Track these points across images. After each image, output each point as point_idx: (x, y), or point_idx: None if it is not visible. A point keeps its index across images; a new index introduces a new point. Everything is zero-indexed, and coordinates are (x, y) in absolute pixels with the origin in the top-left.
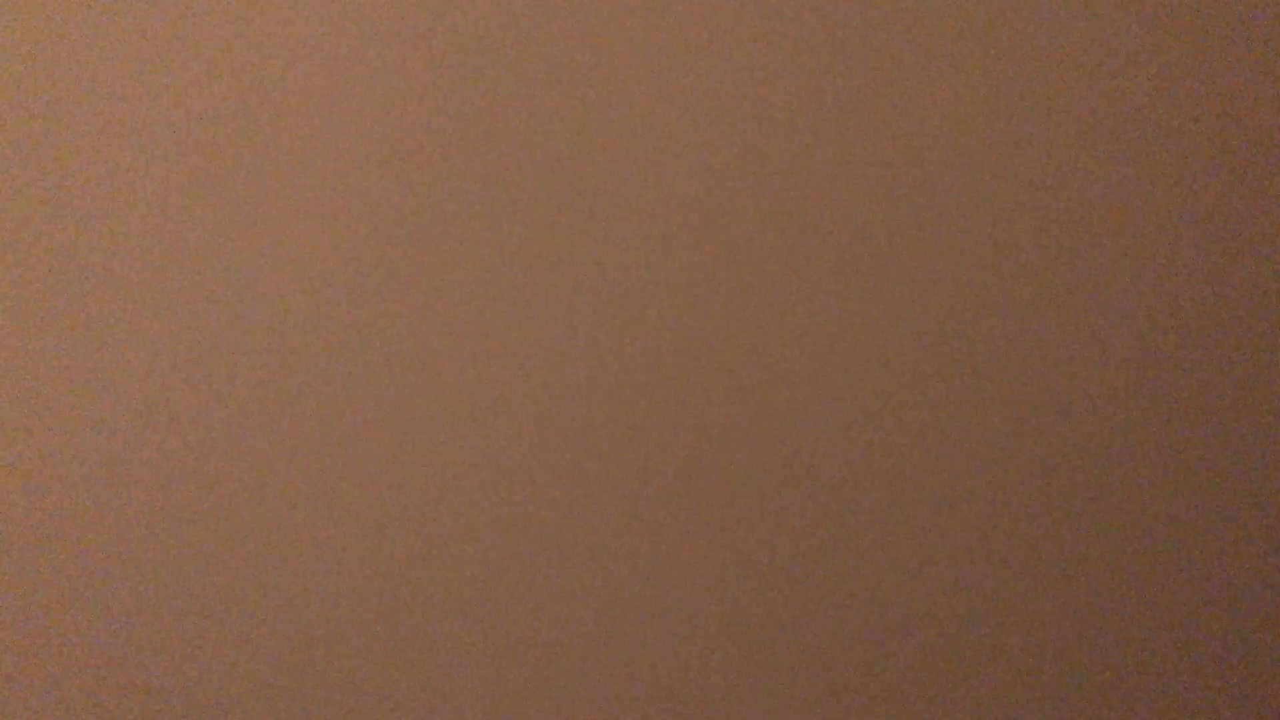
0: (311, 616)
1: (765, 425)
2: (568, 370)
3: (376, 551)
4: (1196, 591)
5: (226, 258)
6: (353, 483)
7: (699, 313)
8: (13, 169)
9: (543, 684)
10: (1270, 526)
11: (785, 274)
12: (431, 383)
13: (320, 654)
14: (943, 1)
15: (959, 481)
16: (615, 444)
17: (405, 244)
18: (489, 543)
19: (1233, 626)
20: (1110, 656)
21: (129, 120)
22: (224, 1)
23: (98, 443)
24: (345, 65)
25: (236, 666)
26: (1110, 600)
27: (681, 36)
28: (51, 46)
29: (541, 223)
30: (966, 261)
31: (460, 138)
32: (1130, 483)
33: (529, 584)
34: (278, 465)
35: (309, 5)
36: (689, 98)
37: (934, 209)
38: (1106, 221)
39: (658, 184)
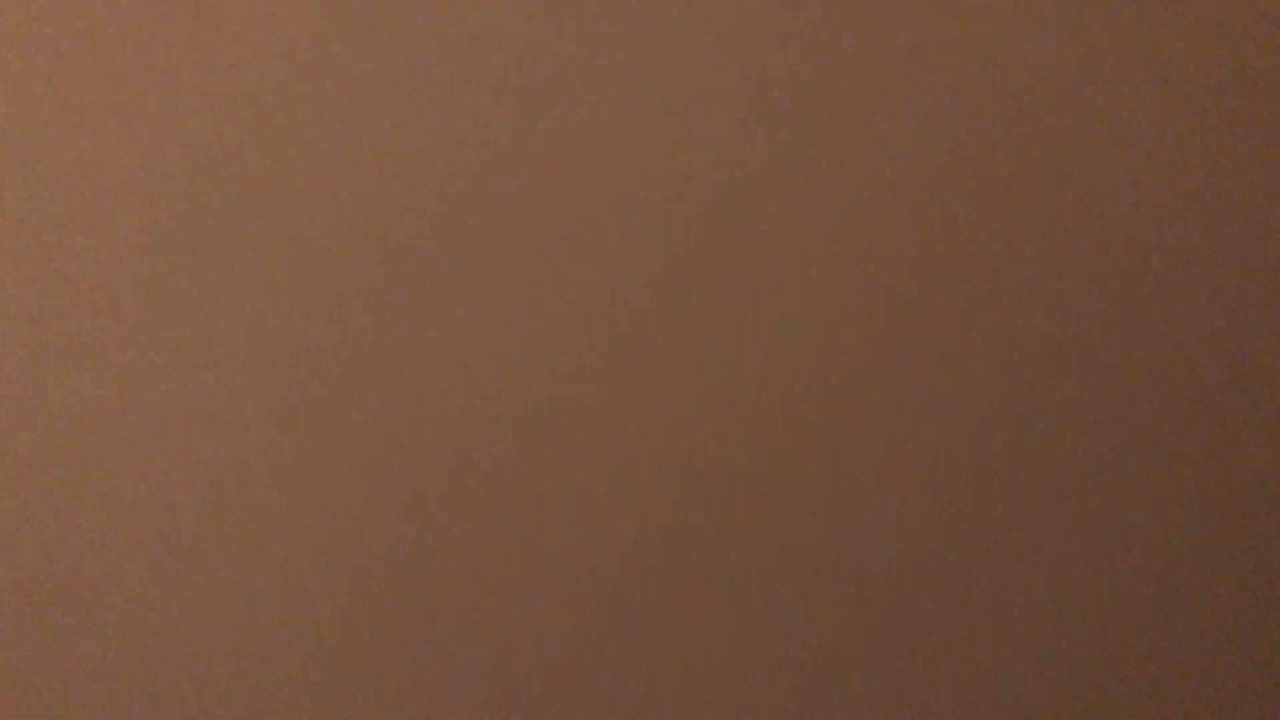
0: (307, 617)
1: (765, 428)
2: (564, 372)
3: (376, 555)
4: (1196, 591)
5: (216, 260)
6: (353, 486)
7: (698, 314)
8: (11, 171)
9: (543, 686)
10: (1270, 526)
11: (783, 276)
12: (429, 386)
13: (315, 653)
14: (943, 2)
15: (959, 483)
16: (614, 445)
17: (399, 248)
18: (487, 544)
19: (1232, 626)
20: (1111, 657)
21: (127, 121)
22: (223, 4)
23: (94, 443)
24: (341, 67)
25: (231, 664)
26: (1110, 601)
27: (677, 37)
28: (49, 49)
29: (538, 228)
30: (965, 264)
31: (455, 142)
32: (1130, 483)
33: (530, 588)
34: (279, 468)
35: (305, 9)
36: (687, 99)
37: (932, 210)
38: (1106, 223)
39: (654, 186)
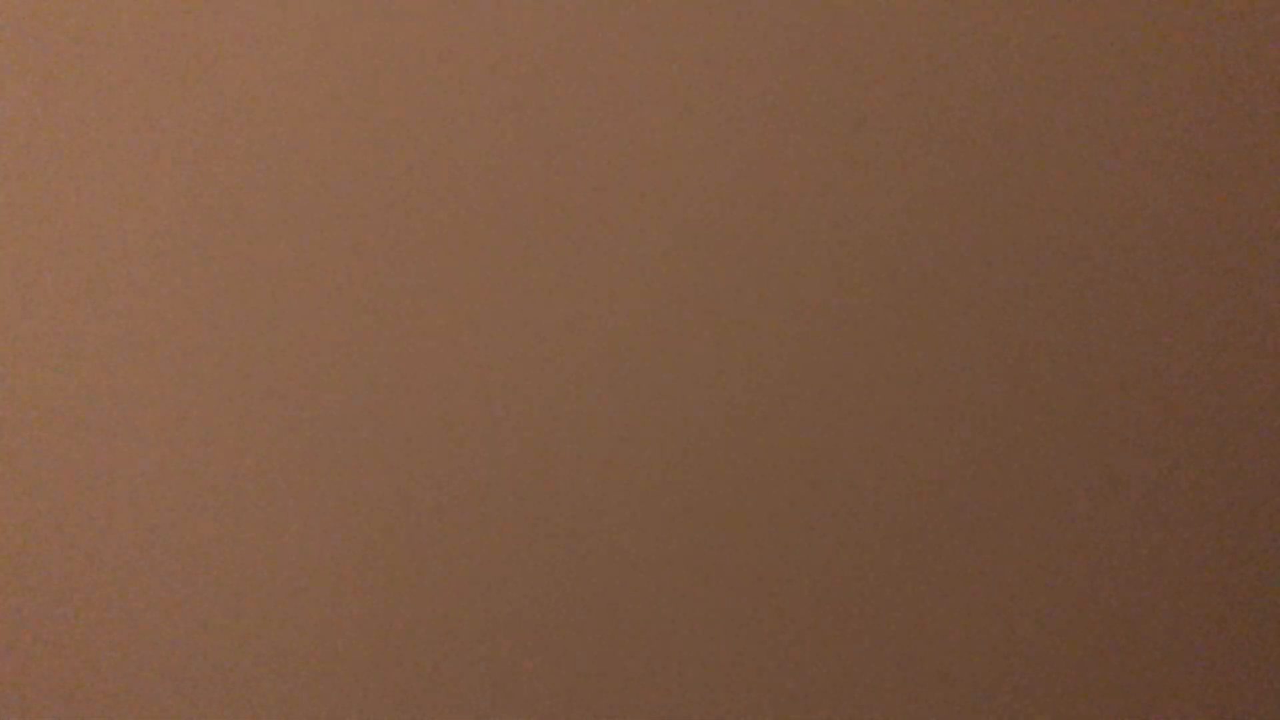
0: (305, 618)
1: (765, 429)
2: (564, 372)
3: (376, 555)
4: (1196, 593)
5: (221, 260)
6: (354, 485)
7: (697, 314)
8: (12, 171)
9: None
10: (1271, 527)
11: (783, 275)
12: (429, 386)
13: (312, 654)
14: (943, 2)
15: (957, 481)
16: (613, 444)
17: (400, 246)
18: (487, 545)
19: (1233, 626)
20: (1110, 657)
21: (129, 121)
22: (225, 4)
23: (95, 443)
24: (343, 67)
25: (230, 665)
26: (1110, 602)
27: (678, 37)
28: (50, 48)
29: (540, 229)
30: (965, 263)
31: (456, 140)
32: (1131, 484)
33: (530, 588)
34: (282, 470)
35: (307, 7)
36: (686, 99)
37: (932, 209)
38: (1106, 223)
39: (654, 186)
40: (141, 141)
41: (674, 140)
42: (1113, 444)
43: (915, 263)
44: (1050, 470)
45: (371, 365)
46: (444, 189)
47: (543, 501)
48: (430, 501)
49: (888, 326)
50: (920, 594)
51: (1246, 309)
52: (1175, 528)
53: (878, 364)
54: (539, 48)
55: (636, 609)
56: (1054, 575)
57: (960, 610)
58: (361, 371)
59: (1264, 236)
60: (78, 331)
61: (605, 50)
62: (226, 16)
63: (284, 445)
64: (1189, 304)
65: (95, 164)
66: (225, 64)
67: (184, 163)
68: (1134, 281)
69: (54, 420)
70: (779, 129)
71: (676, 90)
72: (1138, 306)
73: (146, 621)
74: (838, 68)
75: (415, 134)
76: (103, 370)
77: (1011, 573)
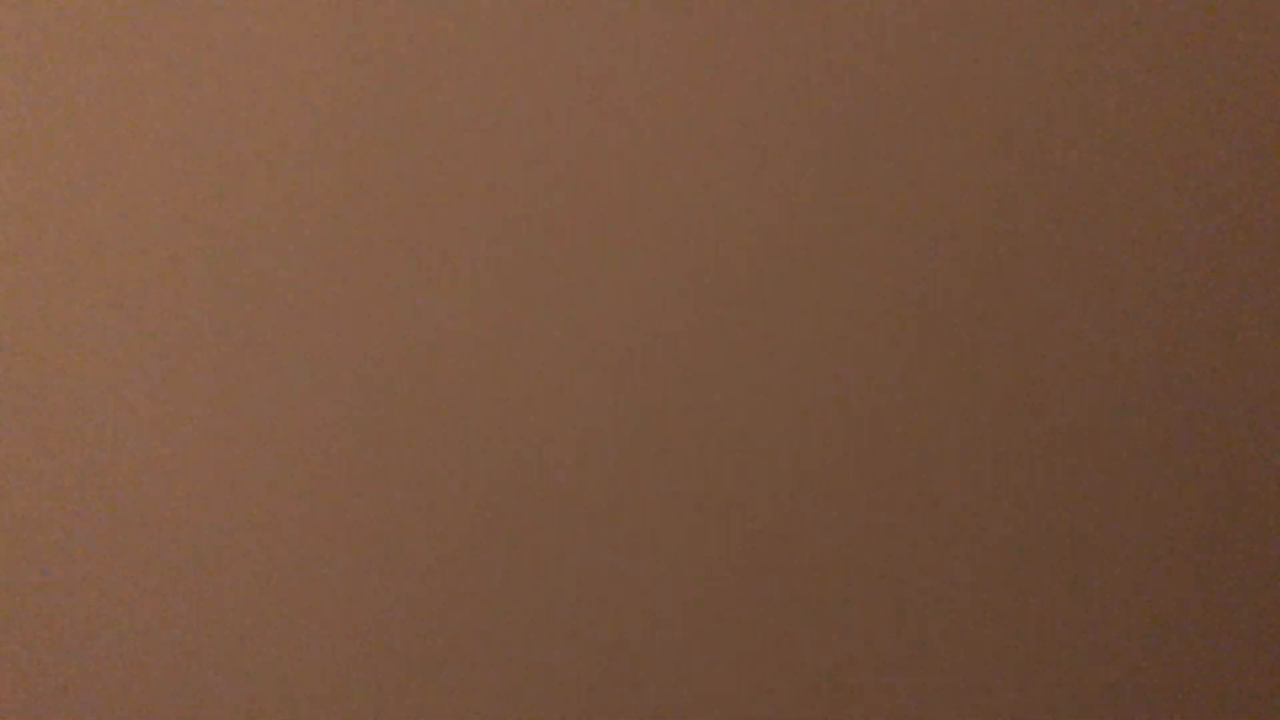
0: (305, 619)
1: (767, 430)
2: (565, 375)
3: (379, 559)
4: (1196, 594)
5: (217, 260)
6: (354, 485)
7: (699, 317)
8: (12, 169)
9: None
10: (1270, 526)
11: (783, 278)
12: (430, 388)
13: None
14: (943, 2)
15: (962, 487)
16: (616, 447)
17: (400, 246)
18: (488, 544)
19: (1233, 627)
20: (1109, 657)
21: (128, 120)
22: (224, 4)
23: (95, 443)
24: (343, 67)
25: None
26: (1109, 602)
27: (678, 37)
28: (52, 46)
29: (548, 233)
30: (970, 267)
31: (456, 143)
32: (1130, 484)
33: (529, 587)
34: (284, 469)
35: (307, 7)
36: (687, 99)
37: (935, 212)
38: (1105, 222)
39: (654, 189)
40: (141, 141)
41: (674, 143)
42: (1114, 446)
43: (918, 266)
44: (1050, 471)
45: (371, 366)
46: (445, 191)
47: (543, 504)
48: (430, 504)
49: (890, 329)
50: (921, 595)
51: (1249, 309)
52: (1176, 529)
53: (878, 366)
54: (540, 48)
55: (637, 611)
56: (1055, 576)
57: (961, 612)
58: (362, 373)
59: (1265, 236)
60: (77, 331)
61: (607, 50)
62: (226, 16)
63: (283, 446)
64: (1189, 305)
65: (94, 164)
66: (225, 63)
67: (184, 162)
68: (1134, 282)
69: (53, 420)
70: (780, 131)
71: (677, 93)
72: (1138, 308)
73: (145, 622)
74: (841, 70)
75: (416, 136)
76: (101, 371)
77: (1012, 574)
